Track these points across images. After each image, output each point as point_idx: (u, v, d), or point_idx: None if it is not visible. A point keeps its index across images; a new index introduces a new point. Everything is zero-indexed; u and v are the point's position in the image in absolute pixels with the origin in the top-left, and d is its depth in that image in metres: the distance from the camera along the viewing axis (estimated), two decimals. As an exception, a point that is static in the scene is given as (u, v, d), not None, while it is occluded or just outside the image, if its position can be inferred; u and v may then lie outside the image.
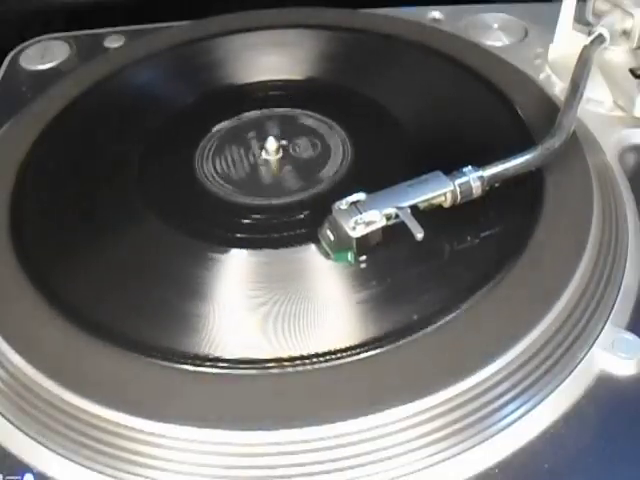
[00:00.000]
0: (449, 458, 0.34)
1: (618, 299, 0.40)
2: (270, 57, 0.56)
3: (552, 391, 0.36)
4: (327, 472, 0.34)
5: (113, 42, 0.61)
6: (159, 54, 0.57)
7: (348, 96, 0.52)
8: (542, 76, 0.54)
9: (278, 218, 0.44)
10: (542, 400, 0.36)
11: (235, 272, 0.42)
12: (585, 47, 0.48)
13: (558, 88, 0.53)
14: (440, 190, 0.41)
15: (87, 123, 0.52)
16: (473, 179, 0.41)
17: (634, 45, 0.51)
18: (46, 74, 0.59)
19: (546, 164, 0.43)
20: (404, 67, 0.54)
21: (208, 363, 0.36)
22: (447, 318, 0.37)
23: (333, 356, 0.36)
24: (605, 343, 0.38)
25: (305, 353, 0.36)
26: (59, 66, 0.60)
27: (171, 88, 0.55)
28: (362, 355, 0.36)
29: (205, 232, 0.43)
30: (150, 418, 0.34)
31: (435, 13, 0.61)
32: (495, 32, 0.59)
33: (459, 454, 0.34)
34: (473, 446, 0.35)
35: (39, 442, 0.36)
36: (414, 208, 0.40)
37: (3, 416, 0.37)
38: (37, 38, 0.63)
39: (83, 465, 0.35)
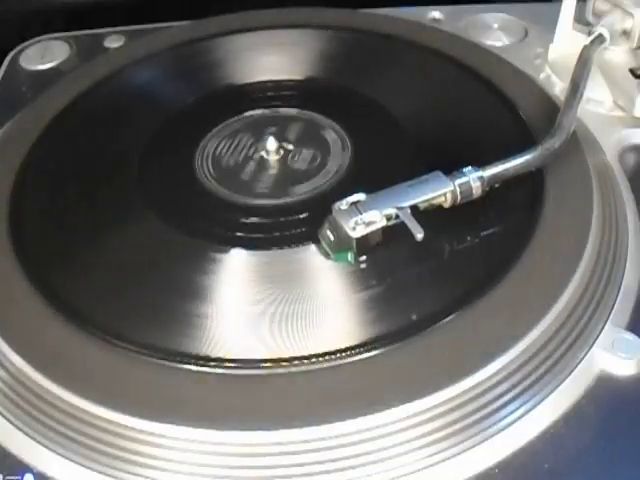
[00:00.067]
0: (449, 458, 0.34)
1: (618, 299, 0.40)
2: (270, 57, 0.56)
3: (552, 391, 0.36)
4: (327, 472, 0.34)
5: (113, 42, 0.61)
6: (159, 54, 0.57)
7: (348, 96, 0.52)
8: (542, 76, 0.54)
9: (278, 218, 0.44)
10: (542, 400, 0.36)
11: (235, 272, 0.42)
12: (585, 47, 0.48)
13: (558, 88, 0.53)
14: (440, 190, 0.41)
15: (87, 123, 0.52)
16: (473, 179, 0.41)
17: (634, 45, 0.51)
18: (46, 74, 0.59)
19: (546, 164, 0.43)
20: (404, 67, 0.54)
21: (208, 363, 0.36)
22: (447, 318, 0.37)
23: (333, 356, 0.36)
24: (605, 343, 0.38)
25: (305, 353, 0.36)
26: (59, 66, 0.60)
27: (171, 88, 0.55)
28: (362, 355, 0.36)
29: (205, 232, 0.43)
30: (150, 418, 0.34)
31: (435, 13, 0.61)
32: (495, 32, 0.59)
33: (459, 454, 0.34)
34: (473, 446, 0.35)
35: (39, 442, 0.36)
36: (414, 208, 0.40)
37: (3, 416, 0.37)
38: (37, 38, 0.63)
39: (83, 465, 0.35)
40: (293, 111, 0.51)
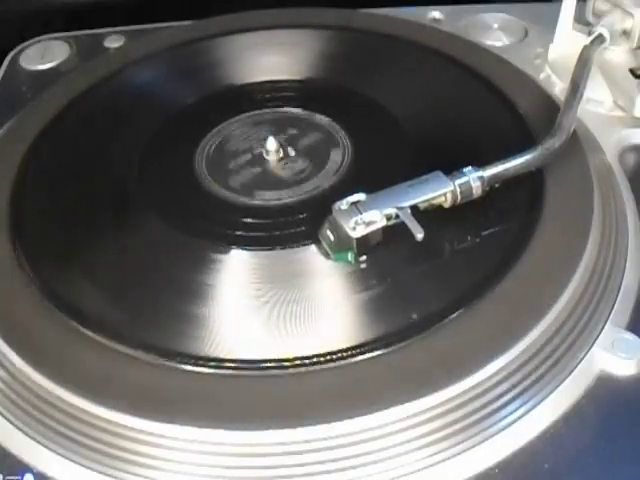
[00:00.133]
0: (449, 458, 0.34)
1: (618, 299, 0.40)
2: (270, 57, 0.56)
3: (552, 391, 0.36)
4: (327, 472, 0.34)
5: (113, 42, 0.61)
6: (159, 54, 0.57)
7: (348, 96, 0.52)
8: (542, 76, 0.54)
9: (278, 218, 0.44)
10: (542, 400, 0.36)
11: (235, 273, 0.42)
12: (585, 47, 0.48)
13: (558, 88, 0.53)
14: (440, 190, 0.41)
15: (87, 123, 0.52)
16: (473, 179, 0.41)
17: (634, 45, 0.51)
18: (46, 74, 0.59)
19: (546, 164, 0.43)
20: (404, 67, 0.54)
21: (208, 363, 0.36)
22: (447, 318, 0.37)
23: (333, 356, 0.36)
24: (605, 343, 0.38)
25: (305, 353, 0.36)
26: (59, 66, 0.60)
27: (171, 88, 0.55)
28: (362, 355, 0.36)
29: (205, 232, 0.43)
30: (150, 418, 0.34)
31: (435, 13, 0.61)
32: (495, 32, 0.59)
33: (459, 454, 0.34)
34: (473, 446, 0.35)
35: (39, 442, 0.36)
36: (414, 208, 0.40)
37: (3, 416, 0.37)
38: (37, 38, 0.63)
39: (83, 465, 0.35)
40: (293, 111, 0.51)
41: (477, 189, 0.41)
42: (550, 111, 0.46)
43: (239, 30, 0.58)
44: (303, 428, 0.34)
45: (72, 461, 0.35)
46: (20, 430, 0.37)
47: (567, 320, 0.38)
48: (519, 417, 0.35)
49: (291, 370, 0.36)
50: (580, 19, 0.53)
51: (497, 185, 0.42)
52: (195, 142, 0.49)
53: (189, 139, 0.50)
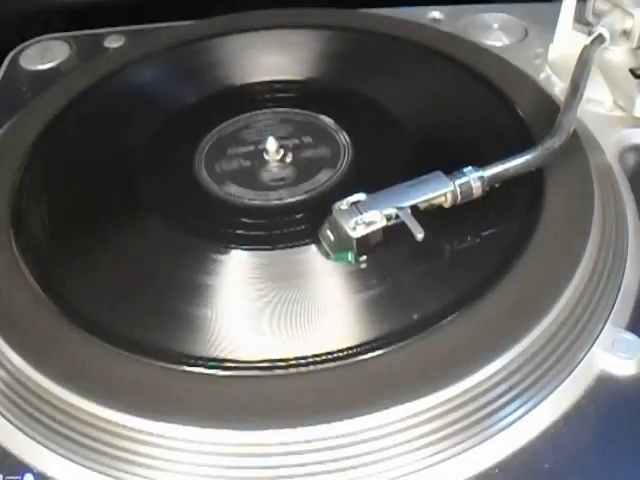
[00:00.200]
0: (449, 458, 0.34)
1: (618, 299, 0.40)
2: (270, 57, 0.56)
3: (552, 391, 0.36)
4: (327, 472, 0.34)
5: (113, 42, 0.61)
6: (159, 54, 0.57)
7: (348, 96, 0.52)
8: (542, 76, 0.54)
9: (278, 218, 0.44)
10: (542, 400, 0.36)
11: (235, 273, 0.42)
12: (585, 47, 0.48)
13: (558, 88, 0.53)
14: (440, 190, 0.41)
15: (87, 123, 0.52)
16: (473, 179, 0.41)
17: (634, 45, 0.51)
18: (46, 74, 0.59)
19: (546, 164, 0.43)
20: (404, 67, 0.54)
21: (208, 364, 0.36)
22: (447, 318, 0.37)
23: (333, 356, 0.36)
24: (605, 343, 0.38)
25: (305, 353, 0.36)
26: (59, 66, 0.60)
27: (171, 88, 0.55)
28: (362, 355, 0.36)
29: (205, 233, 0.43)
30: (150, 418, 0.34)
31: (435, 13, 0.61)
32: (495, 32, 0.59)
33: (459, 454, 0.34)
34: (473, 446, 0.35)
35: (39, 442, 0.36)
36: (414, 208, 0.40)
37: (3, 416, 0.37)
38: (37, 38, 0.63)
39: (83, 465, 0.35)
40: (293, 111, 0.51)
41: (477, 189, 0.41)
42: (550, 111, 0.46)
43: (239, 30, 0.58)
44: (303, 428, 0.34)
45: (72, 461, 0.35)
46: (20, 430, 0.37)
47: (567, 320, 0.38)
48: (519, 417, 0.35)
49: (291, 370, 0.36)
50: (580, 19, 0.53)
51: (497, 185, 0.42)
52: (195, 142, 0.49)
53: (189, 139, 0.50)
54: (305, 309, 0.39)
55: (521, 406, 0.36)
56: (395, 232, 0.40)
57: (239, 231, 0.43)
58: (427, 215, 0.40)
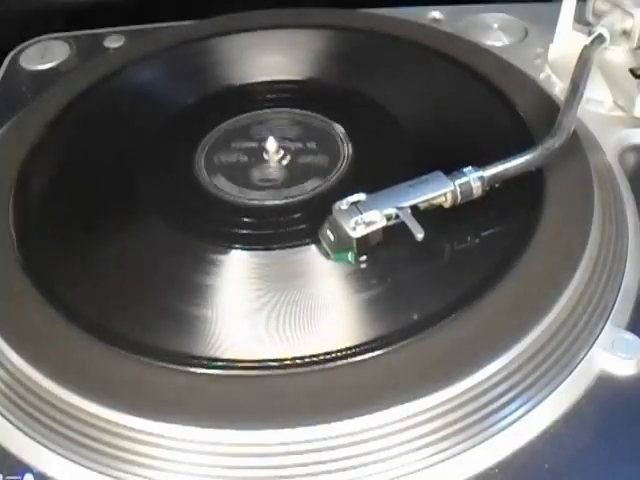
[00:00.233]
0: (449, 458, 0.34)
1: (618, 299, 0.40)
2: (270, 57, 0.56)
3: (552, 391, 0.36)
4: (327, 472, 0.34)
5: (113, 42, 0.61)
6: (159, 54, 0.57)
7: (348, 96, 0.52)
8: (542, 76, 0.54)
9: (278, 218, 0.44)
10: (542, 400, 0.36)
11: (235, 273, 0.42)
12: (585, 47, 0.48)
13: (558, 88, 0.53)
14: (440, 190, 0.41)
15: (87, 123, 0.52)
16: (473, 179, 0.41)
17: (634, 45, 0.51)
18: (46, 74, 0.59)
19: (546, 164, 0.43)
20: (404, 67, 0.54)
21: (208, 363, 0.36)
22: (447, 318, 0.37)
23: (333, 356, 0.36)
24: (605, 343, 0.38)
25: (305, 353, 0.36)
26: (59, 66, 0.60)
27: (171, 88, 0.55)
28: (362, 355, 0.36)
29: (205, 233, 0.43)
30: (150, 418, 0.34)
31: (435, 13, 0.61)
32: (495, 32, 0.59)
33: (459, 454, 0.34)
34: (473, 446, 0.35)
35: (39, 442, 0.36)
36: (414, 208, 0.40)
37: (3, 416, 0.37)
38: (37, 38, 0.63)
39: (83, 465, 0.35)
40: (293, 111, 0.51)
41: (477, 189, 0.41)
42: (550, 111, 0.46)
43: (239, 30, 0.58)
44: (303, 428, 0.34)
45: (72, 461, 0.35)
46: (20, 430, 0.37)
47: (567, 320, 0.38)
48: (519, 417, 0.35)
49: (291, 370, 0.36)
50: (580, 19, 0.53)
51: (497, 185, 0.42)
52: (195, 142, 0.49)
53: (189, 139, 0.50)
54: (305, 309, 0.39)
55: (521, 406, 0.36)
56: (395, 232, 0.40)
57: (239, 231, 0.43)
58: (427, 215, 0.40)
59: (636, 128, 0.50)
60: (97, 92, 0.53)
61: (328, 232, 0.40)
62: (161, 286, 0.41)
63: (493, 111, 0.49)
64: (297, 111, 0.51)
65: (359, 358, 0.36)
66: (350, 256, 0.40)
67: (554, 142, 0.43)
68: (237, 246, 0.42)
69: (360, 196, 0.41)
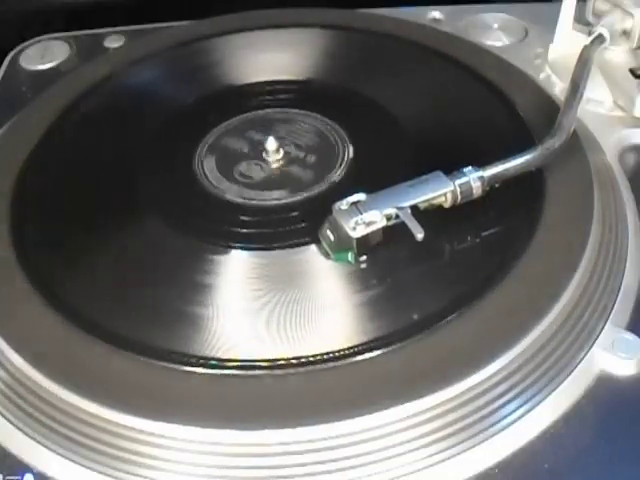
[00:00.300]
0: (449, 458, 0.34)
1: (618, 299, 0.40)
2: (270, 57, 0.56)
3: (552, 391, 0.36)
4: (327, 472, 0.34)
5: (113, 42, 0.61)
6: (159, 54, 0.57)
7: (348, 96, 0.52)
8: (542, 76, 0.54)
9: (278, 218, 0.44)
10: (542, 400, 0.36)
11: (235, 273, 0.42)
12: (585, 47, 0.48)
13: (558, 88, 0.53)
14: (440, 190, 0.41)
15: (87, 123, 0.52)
16: (473, 179, 0.41)
17: (634, 45, 0.51)
18: (46, 74, 0.59)
19: (546, 164, 0.43)
20: (404, 67, 0.54)
21: (208, 363, 0.36)
22: (447, 318, 0.37)
23: (333, 356, 0.36)
24: (605, 343, 0.38)
25: (305, 353, 0.36)
26: (59, 66, 0.60)
27: (171, 88, 0.55)
28: (362, 355, 0.36)
29: (205, 233, 0.43)
30: (150, 418, 0.34)
31: (435, 13, 0.61)
32: (495, 32, 0.59)
33: (459, 454, 0.34)
34: (473, 446, 0.35)
35: (39, 442, 0.36)
36: (414, 208, 0.40)
37: (3, 416, 0.37)
38: (37, 38, 0.63)
39: (83, 465, 0.35)
40: (293, 111, 0.51)
41: (477, 189, 0.41)
42: (550, 111, 0.46)
43: (239, 30, 0.58)
44: (303, 428, 0.34)
45: (72, 461, 0.35)
46: (20, 430, 0.37)
47: (567, 320, 0.38)
48: (519, 417, 0.35)
49: (291, 370, 0.36)
50: (580, 19, 0.53)
51: (497, 185, 0.42)
52: (195, 142, 0.49)
53: (189, 139, 0.50)
54: (305, 309, 0.39)
55: (521, 406, 0.36)
56: (395, 232, 0.40)
57: (239, 231, 0.43)
58: (427, 215, 0.40)
59: (636, 128, 0.50)
60: (97, 92, 0.53)
61: (328, 232, 0.40)
62: (161, 286, 0.41)
63: (493, 111, 0.49)
64: (297, 111, 0.51)
65: (359, 358, 0.36)
66: (350, 256, 0.40)
67: (554, 142, 0.43)
68: (237, 246, 0.42)
69: (360, 196, 0.41)
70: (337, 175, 0.46)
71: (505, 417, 0.35)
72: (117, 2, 0.69)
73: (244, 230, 0.43)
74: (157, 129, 0.51)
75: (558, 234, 0.41)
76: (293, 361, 0.36)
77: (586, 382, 0.37)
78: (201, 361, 0.36)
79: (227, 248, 0.42)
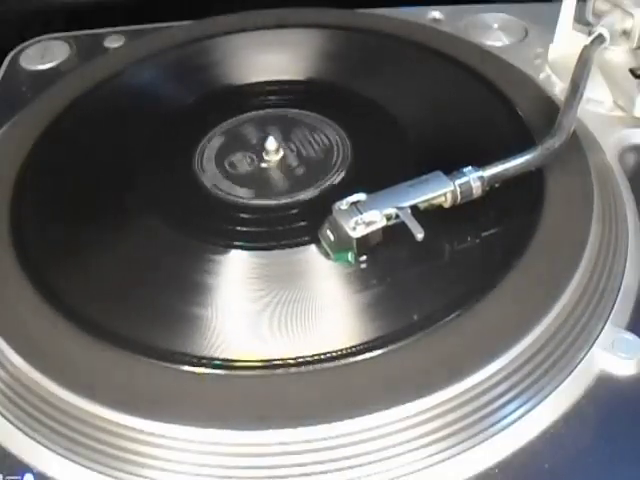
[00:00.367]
0: (449, 458, 0.34)
1: (618, 299, 0.40)
2: (270, 57, 0.56)
3: (552, 391, 0.36)
4: (327, 472, 0.34)
5: (113, 42, 0.61)
6: (159, 54, 0.57)
7: (348, 96, 0.52)
8: (542, 76, 0.54)
9: (278, 218, 0.44)
10: (542, 400, 0.36)
11: (235, 273, 0.42)
12: (585, 47, 0.48)
13: (558, 88, 0.53)
14: (440, 190, 0.41)
15: (87, 123, 0.52)
16: (473, 179, 0.41)
17: (634, 45, 0.51)
18: (46, 74, 0.59)
19: (546, 164, 0.43)
20: (404, 67, 0.54)
21: (208, 363, 0.36)
22: (447, 318, 0.37)
23: (333, 356, 0.36)
24: (605, 343, 0.38)
25: (305, 354, 0.36)
26: (59, 66, 0.60)
27: (171, 88, 0.55)
28: (362, 355, 0.36)
29: (205, 233, 0.43)
30: (150, 418, 0.34)
31: (435, 13, 0.61)
32: (495, 32, 0.59)
33: (459, 454, 0.34)
34: (473, 446, 0.35)
35: (39, 442, 0.36)
36: (414, 208, 0.40)
37: (3, 416, 0.37)
38: (37, 38, 0.63)
39: (83, 465, 0.35)
40: (293, 111, 0.51)
41: (477, 189, 0.41)
42: (550, 111, 0.46)
43: (239, 30, 0.58)
44: (303, 428, 0.34)
45: (72, 461, 0.35)
46: (20, 430, 0.37)
47: (567, 320, 0.38)
48: (519, 417, 0.35)
49: (291, 370, 0.36)
50: (580, 19, 0.53)
51: (497, 185, 0.42)
52: (195, 142, 0.49)
53: (189, 139, 0.50)
54: (305, 309, 0.39)
55: (521, 406, 0.36)
56: (395, 232, 0.40)
57: (239, 231, 0.43)
58: (427, 215, 0.40)
59: (636, 128, 0.50)
60: (97, 92, 0.53)
61: (328, 232, 0.40)
62: (161, 286, 0.41)
63: (493, 111, 0.49)
64: (297, 111, 0.51)
65: (359, 358, 0.36)
66: (350, 256, 0.40)
67: (554, 142, 0.43)
68: (237, 246, 0.42)
69: (360, 196, 0.41)
70: (337, 175, 0.46)
71: (505, 417, 0.35)
72: (117, 2, 0.69)
73: (244, 230, 0.43)
74: (157, 129, 0.51)
75: (558, 234, 0.41)
76: (293, 361, 0.36)
77: (586, 382, 0.37)
78: (201, 361, 0.36)
79: (226, 248, 0.42)
